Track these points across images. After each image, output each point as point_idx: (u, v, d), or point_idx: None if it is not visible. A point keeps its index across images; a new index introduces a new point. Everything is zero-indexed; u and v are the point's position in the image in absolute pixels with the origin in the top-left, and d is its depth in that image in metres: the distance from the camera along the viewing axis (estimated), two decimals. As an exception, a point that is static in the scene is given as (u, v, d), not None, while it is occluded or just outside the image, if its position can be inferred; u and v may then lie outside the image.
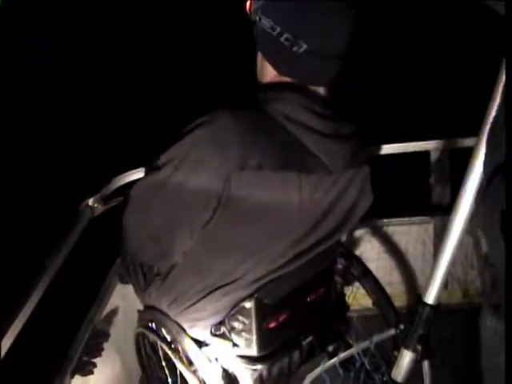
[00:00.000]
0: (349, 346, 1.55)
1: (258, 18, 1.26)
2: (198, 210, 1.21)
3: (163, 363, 1.54)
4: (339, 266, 1.51)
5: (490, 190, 0.87)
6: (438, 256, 1.15)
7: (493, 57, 1.00)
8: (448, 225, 1.11)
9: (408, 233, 2.11)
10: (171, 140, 1.27)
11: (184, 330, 1.39)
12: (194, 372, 1.38)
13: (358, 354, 1.38)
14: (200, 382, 1.37)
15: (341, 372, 1.42)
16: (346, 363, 1.43)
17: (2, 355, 1.29)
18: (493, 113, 0.98)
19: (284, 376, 1.44)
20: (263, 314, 1.32)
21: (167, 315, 1.43)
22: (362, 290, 1.56)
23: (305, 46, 1.20)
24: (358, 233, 2.05)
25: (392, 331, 1.30)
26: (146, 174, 1.30)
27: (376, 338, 1.34)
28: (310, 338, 1.44)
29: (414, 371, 1.27)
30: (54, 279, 1.58)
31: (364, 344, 1.36)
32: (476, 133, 1.78)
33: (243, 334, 1.34)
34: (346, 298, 1.61)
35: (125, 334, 1.83)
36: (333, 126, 1.26)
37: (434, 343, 1.27)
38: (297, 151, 1.22)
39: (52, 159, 3.77)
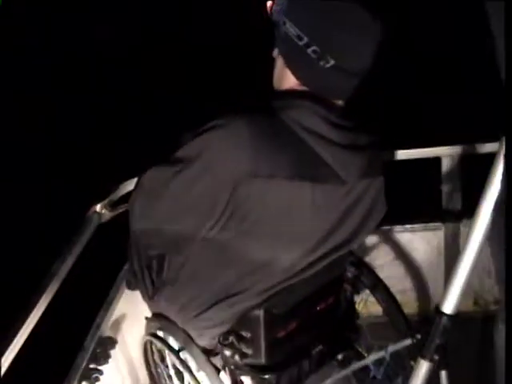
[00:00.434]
0: (359, 355, 1.53)
1: (282, 22, 1.23)
2: (203, 212, 1.20)
3: (171, 372, 1.53)
4: (349, 275, 1.49)
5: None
6: (457, 264, 1.12)
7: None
8: (469, 232, 1.09)
9: (419, 239, 2.08)
10: (180, 140, 1.27)
11: (192, 339, 1.38)
12: (202, 382, 1.36)
13: (372, 364, 1.35)
14: (208, 391, 1.35)
15: (354, 382, 1.40)
16: (360, 373, 1.41)
17: (9, 363, 1.28)
18: None
19: (293, 385, 1.42)
20: (272, 323, 1.30)
21: (175, 323, 1.42)
22: (372, 298, 1.54)
23: (332, 62, 1.18)
24: (369, 239, 2.02)
25: (408, 341, 1.28)
26: (156, 166, 1.30)
27: (391, 348, 1.32)
28: (320, 347, 1.42)
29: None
30: (61, 286, 1.57)
31: (379, 354, 1.34)
32: (489, 139, 1.77)
33: (251, 343, 1.32)
34: (356, 306, 1.59)
35: (132, 341, 1.82)
36: (349, 137, 1.23)
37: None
38: (310, 161, 1.19)
39: (51, 159, 3.76)
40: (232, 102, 1.33)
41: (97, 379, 1.62)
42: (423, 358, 1.20)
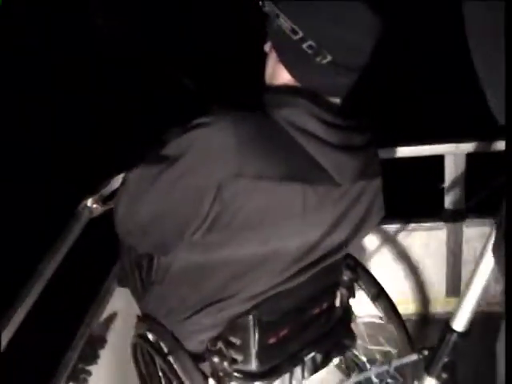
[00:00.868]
0: (356, 361, 1.49)
1: (274, 14, 1.16)
2: (188, 213, 1.14)
3: (160, 374, 1.48)
4: (345, 278, 1.43)
5: None
6: (470, 281, 1.07)
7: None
8: (481, 250, 1.04)
9: (420, 239, 2.03)
10: (166, 137, 1.21)
11: (180, 343, 1.33)
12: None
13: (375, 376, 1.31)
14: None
15: None
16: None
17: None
18: None
19: (285, 392, 1.38)
20: (262, 329, 1.25)
21: (163, 326, 1.37)
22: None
23: (329, 58, 1.12)
24: (368, 238, 1.96)
25: (414, 356, 1.22)
26: (142, 164, 1.24)
27: (395, 363, 1.27)
28: (313, 354, 1.37)
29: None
30: (49, 282, 1.53)
31: (382, 368, 1.29)
32: (494, 137, 1.70)
33: (241, 349, 1.27)
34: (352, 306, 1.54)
35: (123, 340, 1.77)
36: (344, 137, 1.17)
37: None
38: (302, 162, 1.13)
39: (51, 159, 3.74)
40: (226, 98, 1.27)
41: (85, 380, 1.58)
42: (430, 375, 1.16)
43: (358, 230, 1.28)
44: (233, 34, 4.54)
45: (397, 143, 1.75)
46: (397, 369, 1.28)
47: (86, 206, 1.74)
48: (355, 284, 1.46)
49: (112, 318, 1.78)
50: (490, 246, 1.03)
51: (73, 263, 1.65)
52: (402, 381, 1.43)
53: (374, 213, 1.29)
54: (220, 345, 1.26)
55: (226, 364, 1.26)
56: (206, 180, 1.10)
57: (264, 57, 1.28)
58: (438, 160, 1.84)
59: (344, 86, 1.18)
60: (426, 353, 1.20)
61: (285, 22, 1.14)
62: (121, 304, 1.82)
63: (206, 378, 1.31)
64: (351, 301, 1.48)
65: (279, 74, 1.20)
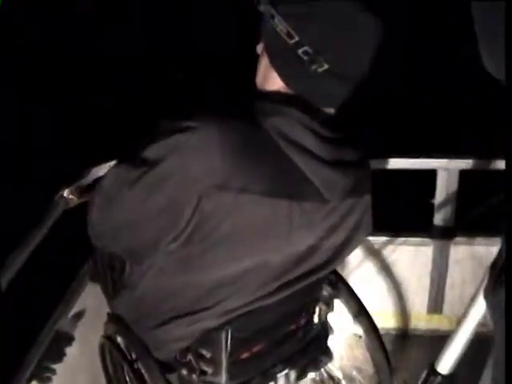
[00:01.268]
0: (331, 378, 1.44)
1: (269, 15, 1.08)
2: (165, 222, 1.07)
3: (127, 378, 1.42)
4: (325, 293, 1.37)
5: None
6: (458, 326, 1.02)
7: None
8: (473, 294, 0.98)
9: (405, 253, 1.98)
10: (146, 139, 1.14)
11: (148, 350, 1.27)
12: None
13: None
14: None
15: None
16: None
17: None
18: None
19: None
20: (235, 344, 1.18)
21: (132, 331, 1.31)
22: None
23: (326, 66, 1.04)
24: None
25: None
26: (120, 164, 1.16)
27: None
28: (287, 371, 1.31)
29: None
30: (19, 273, 1.46)
31: None
32: (490, 155, 1.65)
33: (212, 362, 1.21)
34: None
35: (92, 338, 1.71)
36: (336, 152, 1.09)
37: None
38: (290, 175, 1.06)
39: (51, 159, 3.65)
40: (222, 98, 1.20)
41: (48, 379, 1.52)
42: None
43: (344, 248, 1.22)
44: (233, 34, 4.48)
45: (389, 154, 1.69)
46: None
47: (62, 196, 1.67)
48: (335, 299, 1.41)
49: (81, 314, 1.72)
50: (481, 290, 0.97)
51: (45, 255, 1.58)
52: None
53: (362, 230, 1.23)
54: (190, 357, 1.20)
55: (194, 376, 1.21)
56: (186, 190, 1.03)
57: (256, 58, 1.21)
58: (431, 175, 1.78)
59: (339, 96, 1.11)
60: None
61: (280, 24, 1.06)
62: (92, 300, 1.75)
63: (172, 389, 1.25)
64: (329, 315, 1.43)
65: (271, 79, 1.13)
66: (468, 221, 1.77)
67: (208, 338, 1.18)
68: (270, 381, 1.30)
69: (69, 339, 1.63)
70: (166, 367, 1.26)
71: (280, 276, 1.15)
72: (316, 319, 1.38)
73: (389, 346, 1.46)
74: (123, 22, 5.27)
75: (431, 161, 1.73)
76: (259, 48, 1.17)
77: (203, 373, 1.21)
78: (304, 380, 1.42)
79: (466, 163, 1.70)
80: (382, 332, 1.44)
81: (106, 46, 4.95)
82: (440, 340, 2.11)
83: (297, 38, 1.04)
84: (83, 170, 1.75)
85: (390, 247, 1.97)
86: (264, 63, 1.15)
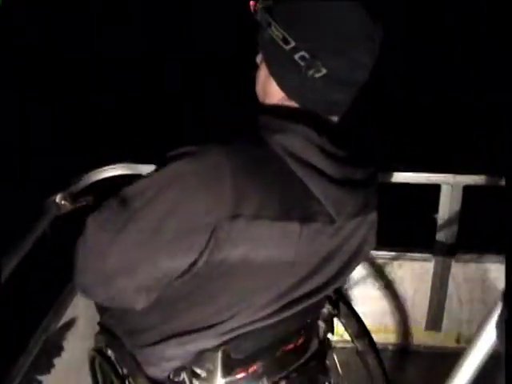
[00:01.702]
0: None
1: (266, 23, 1.04)
2: (168, 261, 0.99)
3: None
4: (325, 311, 1.33)
5: None
6: (464, 357, 0.96)
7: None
8: (480, 325, 0.92)
9: (406, 269, 1.93)
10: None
11: (139, 367, 1.21)
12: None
13: None
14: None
15: None
16: None
17: None
18: None
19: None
20: (231, 364, 1.13)
21: (123, 345, 1.25)
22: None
23: (324, 71, 0.99)
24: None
25: None
26: (104, 204, 1.05)
27: None
28: (283, 390, 1.26)
29: None
30: (7, 281, 1.41)
31: None
32: (495, 172, 1.61)
33: (206, 381, 1.15)
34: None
35: (81, 349, 1.65)
36: (346, 171, 1.04)
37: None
38: (299, 195, 1.01)
39: (51, 159, 3.61)
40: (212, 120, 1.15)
41: None
42: None
43: (348, 266, 1.17)
44: (233, 35, 4.46)
45: (393, 168, 1.64)
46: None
47: (53, 201, 1.62)
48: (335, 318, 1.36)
49: (71, 324, 1.67)
50: (492, 321, 0.91)
51: (34, 262, 1.53)
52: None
53: (366, 248, 1.19)
54: (184, 375, 1.15)
55: None
56: (195, 223, 0.95)
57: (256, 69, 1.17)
58: (434, 189, 1.74)
59: (341, 103, 1.06)
60: None
61: (276, 31, 1.02)
62: (82, 310, 1.70)
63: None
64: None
65: (271, 89, 1.08)
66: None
67: (203, 356, 1.13)
68: (266, 401, 1.26)
69: (58, 349, 1.58)
70: (158, 384, 1.21)
71: (283, 296, 1.10)
72: (314, 337, 1.34)
73: (386, 362, 1.43)
74: (123, 21, 5.24)
75: (435, 175, 1.68)
76: (258, 58, 1.13)
77: (197, 390, 1.17)
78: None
79: (470, 178, 1.66)
80: (379, 347, 1.41)
81: (105, 45, 4.93)
82: (438, 357, 2.10)
83: (293, 44, 1.00)
84: (77, 175, 1.70)
85: (390, 262, 1.93)
86: (263, 73, 1.10)
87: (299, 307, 1.13)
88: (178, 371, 1.15)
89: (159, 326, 1.14)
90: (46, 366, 1.52)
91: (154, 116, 4.21)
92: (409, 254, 1.92)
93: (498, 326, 0.90)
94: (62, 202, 1.61)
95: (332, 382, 1.44)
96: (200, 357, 1.13)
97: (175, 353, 1.13)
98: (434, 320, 1.98)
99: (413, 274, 1.93)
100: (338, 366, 1.47)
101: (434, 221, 1.79)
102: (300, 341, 1.27)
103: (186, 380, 1.15)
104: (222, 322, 1.09)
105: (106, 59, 4.88)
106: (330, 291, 1.19)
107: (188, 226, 0.96)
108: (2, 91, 3.74)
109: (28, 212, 1.61)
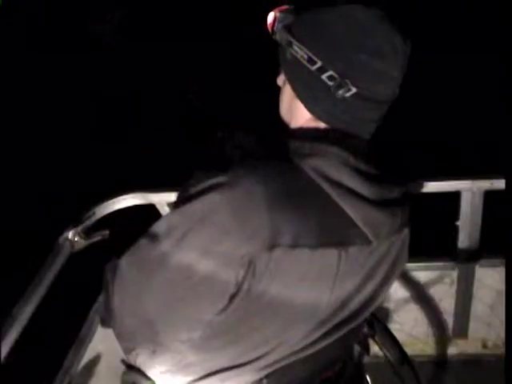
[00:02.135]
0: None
1: (287, 42, 1.00)
2: (208, 299, 0.95)
3: None
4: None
5: None
6: None
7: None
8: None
9: (429, 279, 1.89)
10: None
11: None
12: None
13: None
14: None
15: None
16: None
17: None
18: None
19: None
20: None
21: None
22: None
23: (354, 90, 0.96)
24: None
25: None
26: (136, 244, 1.01)
27: None
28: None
29: None
30: (25, 326, 1.36)
31: None
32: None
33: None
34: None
35: (107, 389, 1.60)
36: (382, 191, 1.00)
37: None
38: (335, 219, 0.97)
39: (51, 160, 3.59)
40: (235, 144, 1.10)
41: None
42: None
43: (384, 285, 1.12)
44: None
45: (411, 178, 1.61)
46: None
47: (67, 238, 1.57)
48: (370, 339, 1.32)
49: (94, 362, 1.61)
50: None
51: (50, 301, 1.48)
52: None
53: (399, 265, 1.15)
54: None
55: None
56: (233, 257, 0.91)
57: (277, 90, 1.13)
58: (454, 196, 1.70)
59: (373, 121, 1.03)
60: None
61: (300, 50, 0.99)
62: (104, 346, 1.65)
63: None
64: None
65: (298, 112, 1.05)
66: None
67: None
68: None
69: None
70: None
71: (324, 324, 1.05)
72: (350, 361, 1.30)
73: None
74: (124, 21, 5.21)
75: (454, 183, 1.65)
76: (280, 80, 1.09)
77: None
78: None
79: (490, 183, 1.62)
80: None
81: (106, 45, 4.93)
82: (466, 364, 2.06)
83: (319, 63, 0.97)
84: (87, 209, 1.65)
85: (413, 272, 1.89)
86: (287, 94, 1.07)
87: (340, 333, 1.09)
88: None
89: (198, 364, 1.08)
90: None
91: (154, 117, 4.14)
92: (431, 263, 1.88)
93: None
94: (76, 239, 1.57)
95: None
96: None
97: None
98: (460, 327, 1.94)
99: (436, 282, 1.90)
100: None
101: (455, 228, 1.75)
102: (337, 367, 1.23)
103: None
104: (262, 356, 1.04)
105: (106, 59, 4.81)
106: (368, 313, 1.15)
107: (225, 262, 0.92)
108: (1, 91, 3.78)
109: (39, 252, 1.56)
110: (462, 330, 1.95)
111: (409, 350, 1.40)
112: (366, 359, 1.36)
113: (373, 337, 1.31)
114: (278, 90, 1.13)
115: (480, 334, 1.97)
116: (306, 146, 0.99)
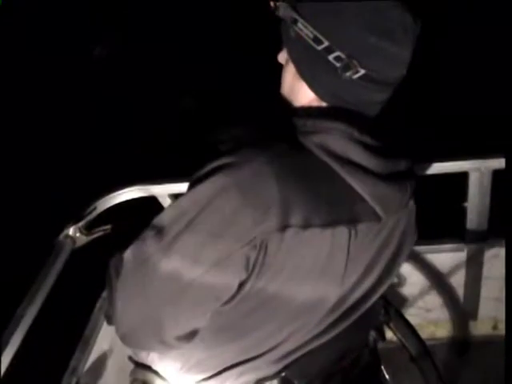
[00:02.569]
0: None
1: (291, 20, 0.96)
2: (216, 287, 0.91)
3: None
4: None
5: None
6: None
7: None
8: None
9: (438, 260, 1.87)
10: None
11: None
12: None
13: None
14: None
15: None
16: None
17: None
18: None
19: None
20: None
21: (166, 380, 1.17)
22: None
23: (362, 71, 0.93)
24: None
25: None
26: (141, 236, 0.96)
27: None
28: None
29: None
30: (31, 326, 1.33)
31: None
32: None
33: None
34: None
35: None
36: (389, 165, 0.98)
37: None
38: (344, 197, 0.94)
39: (50, 160, 3.57)
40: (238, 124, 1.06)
41: None
42: None
43: (395, 261, 1.09)
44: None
45: (418, 159, 1.57)
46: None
47: (68, 235, 1.53)
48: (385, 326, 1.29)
49: (101, 361, 1.58)
50: None
51: (53, 299, 1.44)
52: None
53: (408, 241, 1.12)
54: None
55: None
56: (244, 239, 0.87)
57: (278, 67, 1.09)
58: (462, 176, 1.67)
59: (379, 102, 1.00)
60: None
61: (305, 29, 0.94)
62: (110, 344, 1.61)
63: None
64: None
65: (299, 90, 1.01)
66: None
67: (261, 386, 1.05)
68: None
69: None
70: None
71: (336, 309, 1.03)
72: (365, 348, 1.27)
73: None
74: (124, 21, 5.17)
75: (462, 163, 1.61)
76: (281, 57, 1.05)
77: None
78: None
79: (499, 162, 1.59)
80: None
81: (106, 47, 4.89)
82: (477, 345, 2.05)
83: (326, 43, 0.93)
84: (88, 204, 1.61)
85: (422, 254, 1.87)
86: (290, 73, 1.03)
87: (353, 317, 1.06)
88: None
89: (208, 360, 1.05)
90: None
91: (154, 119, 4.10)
92: (440, 245, 1.85)
93: None
94: (77, 235, 1.54)
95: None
96: (258, 386, 1.06)
97: (232, 384, 1.06)
98: (471, 308, 1.93)
99: (445, 264, 1.87)
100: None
101: (463, 209, 1.72)
102: (353, 354, 1.19)
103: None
104: (275, 347, 1.01)
105: (106, 60, 4.79)
106: (381, 292, 1.12)
107: (236, 244, 0.88)
108: (2, 91, 3.76)
109: (38, 250, 1.52)
110: (472, 311, 1.93)
111: (420, 334, 1.38)
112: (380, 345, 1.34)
113: (387, 323, 1.28)
114: (279, 70, 1.09)
115: (491, 315, 1.96)
116: (308, 123, 0.96)
